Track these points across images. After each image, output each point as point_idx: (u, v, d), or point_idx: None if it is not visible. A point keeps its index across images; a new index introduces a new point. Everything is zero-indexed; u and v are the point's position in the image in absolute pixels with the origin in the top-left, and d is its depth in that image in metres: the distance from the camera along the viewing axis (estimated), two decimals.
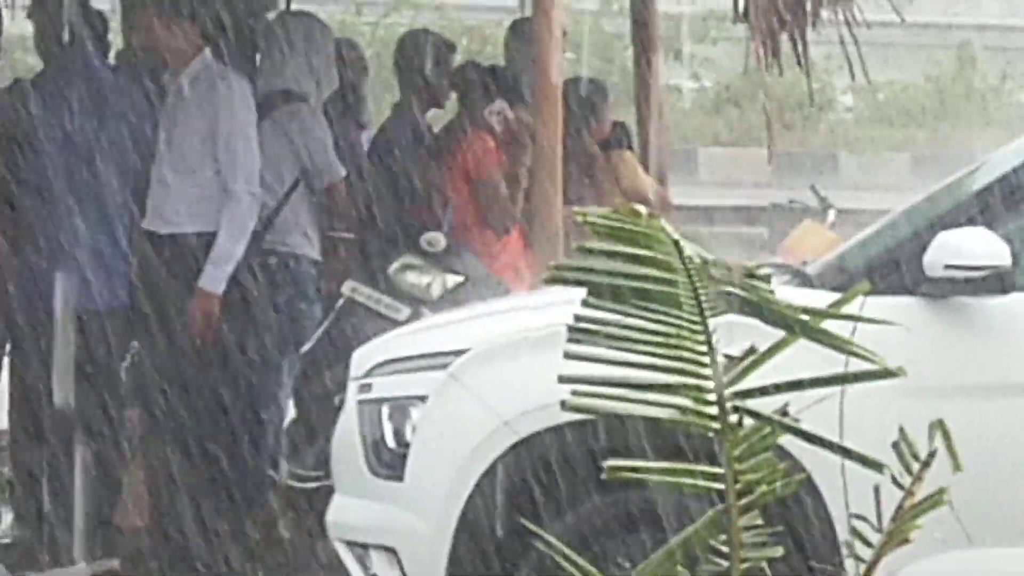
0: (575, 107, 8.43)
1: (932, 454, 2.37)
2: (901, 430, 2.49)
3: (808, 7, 7.50)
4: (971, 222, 5.13)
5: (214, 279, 7.38)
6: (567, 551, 2.86)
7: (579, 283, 2.32)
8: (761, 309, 2.28)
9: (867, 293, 2.71)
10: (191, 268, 7.46)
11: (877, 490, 2.43)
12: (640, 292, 2.24)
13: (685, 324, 2.28)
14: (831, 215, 14.70)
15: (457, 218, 8.61)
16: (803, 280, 5.39)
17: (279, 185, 8.14)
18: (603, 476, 2.53)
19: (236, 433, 7.64)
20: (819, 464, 3.44)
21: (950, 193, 5.59)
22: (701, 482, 2.42)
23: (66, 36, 7.93)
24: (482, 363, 5.58)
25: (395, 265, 8.15)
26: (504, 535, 5.25)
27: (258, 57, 8.68)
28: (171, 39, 7.79)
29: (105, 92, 7.99)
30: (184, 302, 7.44)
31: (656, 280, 2.23)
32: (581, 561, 2.70)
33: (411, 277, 8.20)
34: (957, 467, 2.36)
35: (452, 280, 8.16)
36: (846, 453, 2.39)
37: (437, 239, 8.15)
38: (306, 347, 8.20)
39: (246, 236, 7.50)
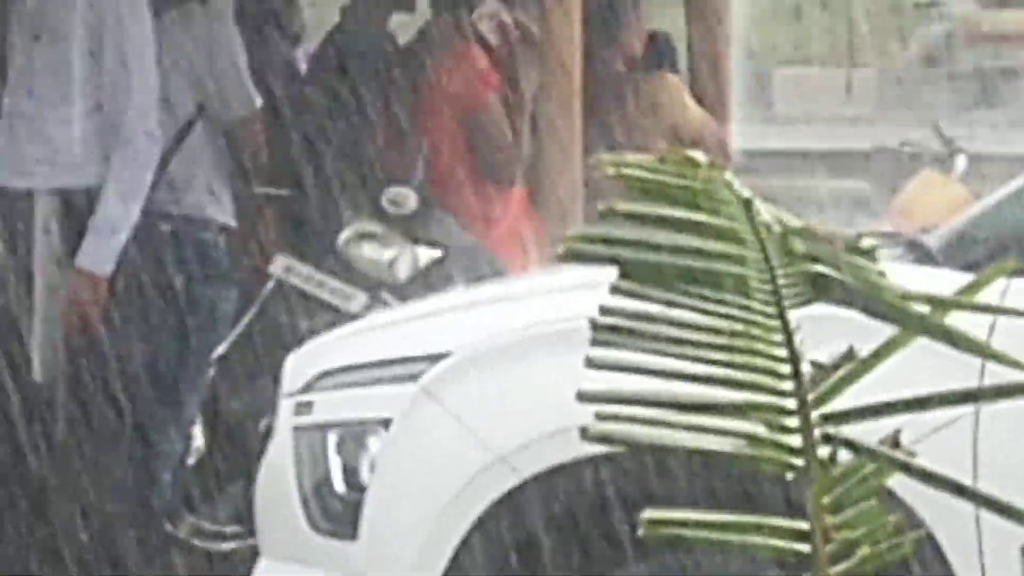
0: (598, 10, 8.32)
1: None
2: None
3: None
4: None
5: (99, 255, 7.14)
6: None
7: (606, 260, 2.30)
8: (863, 296, 2.30)
9: (1012, 274, 2.61)
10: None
11: None
12: (693, 273, 2.16)
13: (756, 318, 2.17)
14: (960, 163, 14.70)
15: (435, 167, 8.36)
16: (921, 255, 5.48)
17: (170, 119, 7.76)
18: (639, 533, 2.53)
19: (118, 473, 7.33)
20: (943, 516, 3.47)
21: None
22: (778, 542, 2.39)
23: None
24: (468, 374, 5.41)
25: (346, 234, 8.06)
26: None
27: None
28: None
29: None
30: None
31: (717, 256, 2.15)
32: None
33: (368, 251, 8.08)
34: None
35: (426, 254, 8.03)
36: (982, 500, 2.41)
37: (405, 197, 8.06)
38: (219, 351, 7.93)
39: (142, 194, 7.28)
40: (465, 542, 5.16)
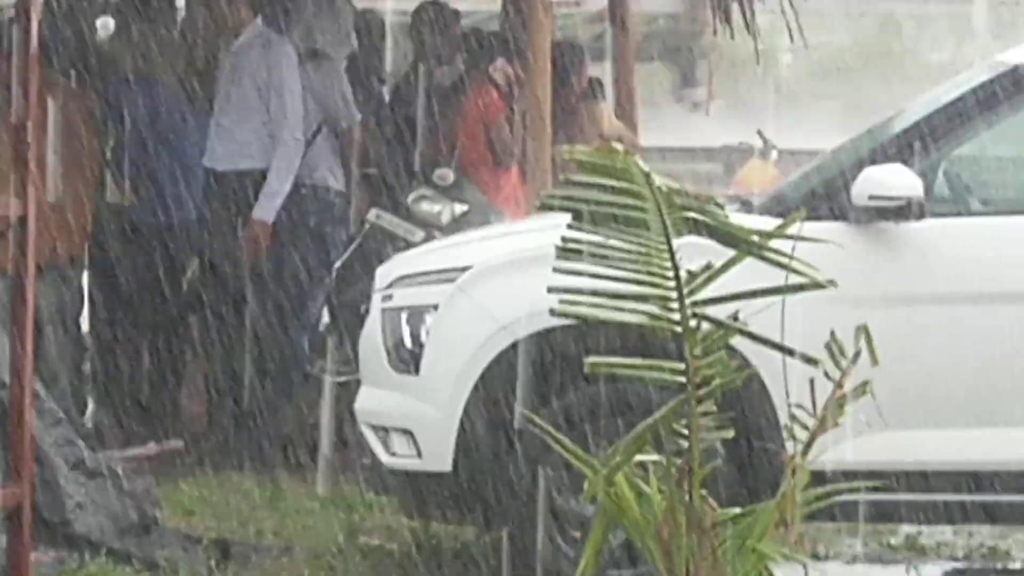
0: (560, 65, 8.26)
1: (857, 353, 2.48)
2: (832, 333, 2.53)
3: None
4: (890, 160, 5.17)
5: (266, 210, 7.44)
6: (554, 432, 2.92)
7: (565, 209, 2.41)
8: (717, 231, 2.40)
9: (804, 219, 2.65)
10: (243, 199, 7.56)
11: (812, 383, 2.46)
12: (616, 217, 2.30)
13: (653, 244, 2.33)
14: (774, 154, 14.79)
15: (464, 157, 8.39)
16: (751, 209, 5.32)
17: (307, 127, 7.76)
18: (585, 371, 2.69)
19: (280, 334, 7.69)
20: (765, 361, 3.37)
21: (873, 136, 5.67)
22: (667, 376, 2.55)
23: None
24: (485, 278, 5.48)
25: (412, 196, 8.17)
26: (502, 420, 5.16)
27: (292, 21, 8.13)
28: (229, 12, 7.90)
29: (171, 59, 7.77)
30: (237, 226, 7.60)
31: (629, 207, 2.29)
32: (565, 440, 2.76)
33: (425, 206, 8.14)
34: (875, 362, 2.50)
35: (459, 208, 8.02)
36: (787, 352, 2.48)
37: (447, 174, 8.22)
38: (338, 264, 8.08)
39: (292, 174, 7.53)
40: (484, 374, 5.20)
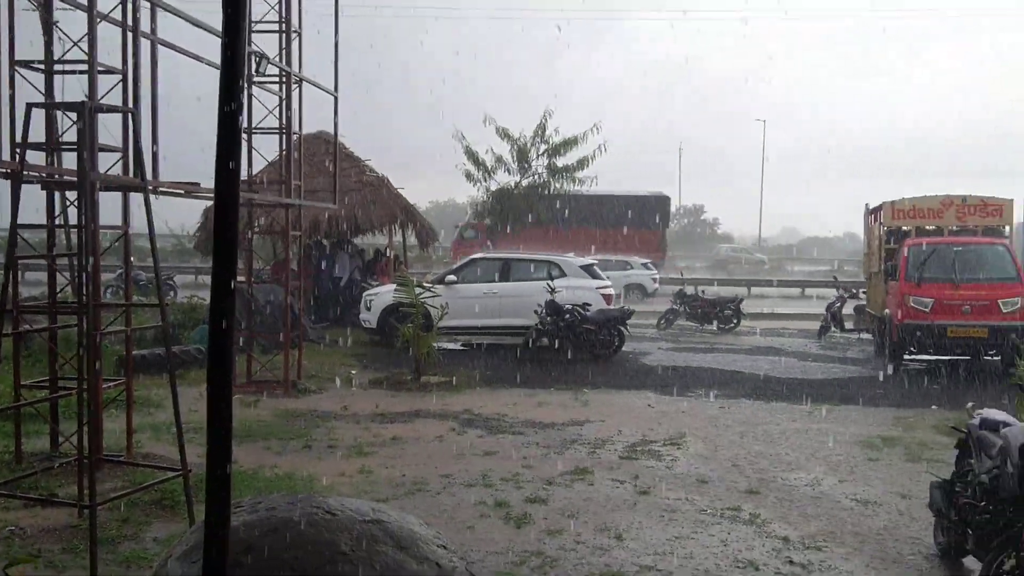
0: (394, 259, 18.90)
1: (446, 304, 13.03)
2: (446, 304, 13.37)
3: None
4: (454, 273, 16.79)
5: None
6: (399, 325, 13.31)
7: (398, 282, 13.29)
8: (408, 281, 12.82)
9: (433, 281, 14.65)
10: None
11: (444, 307, 12.94)
12: (404, 282, 13.01)
13: (409, 287, 12.79)
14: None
15: (382, 273, 18.01)
16: (441, 279, 16.23)
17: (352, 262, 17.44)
18: (401, 311, 12.63)
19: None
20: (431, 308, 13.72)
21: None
22: (415, 316, 11.34)
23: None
24: (385, 292, 14.51)
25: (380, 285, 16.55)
26: (388, 319, 15.02)
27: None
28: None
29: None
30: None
31: (404, 281, 13.06)
32: (400, 325, 12.14)
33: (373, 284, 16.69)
34: (447, 308, 12.71)
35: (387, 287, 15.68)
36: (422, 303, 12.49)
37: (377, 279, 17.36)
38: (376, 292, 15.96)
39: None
40: (383, 311, 15.47)
